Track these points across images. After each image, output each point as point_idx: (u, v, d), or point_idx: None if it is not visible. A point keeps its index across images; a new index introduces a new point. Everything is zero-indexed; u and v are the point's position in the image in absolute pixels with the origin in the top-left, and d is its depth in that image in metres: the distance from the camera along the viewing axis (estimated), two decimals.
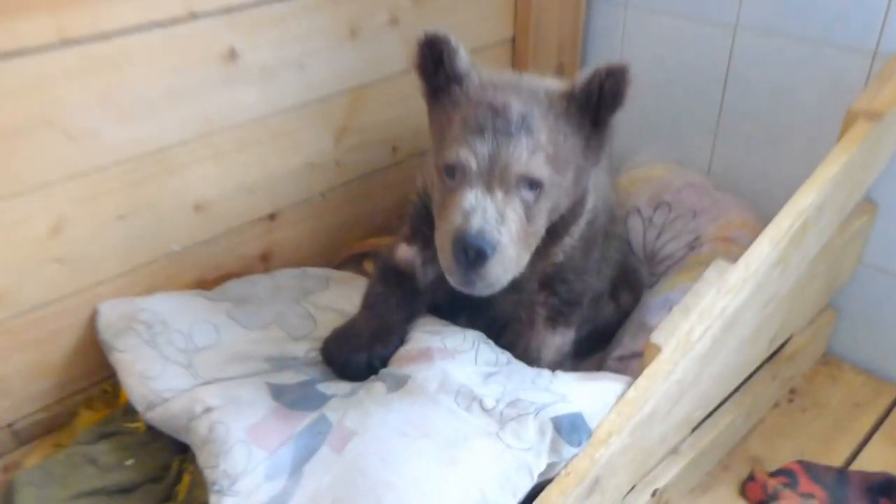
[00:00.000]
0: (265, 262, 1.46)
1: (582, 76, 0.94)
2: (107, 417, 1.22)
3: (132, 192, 1.21)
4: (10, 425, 1.25)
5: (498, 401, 0.97)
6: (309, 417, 1.01)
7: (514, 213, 0.91)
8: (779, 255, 1.04)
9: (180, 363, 1.13)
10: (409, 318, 1.16)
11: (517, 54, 1.65)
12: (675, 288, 1.21)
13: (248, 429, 0.98)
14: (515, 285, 1.10)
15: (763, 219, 1.10)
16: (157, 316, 1.20)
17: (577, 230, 1.08)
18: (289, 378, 1.10)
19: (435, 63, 0.97)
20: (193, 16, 1.16)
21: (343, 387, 1.08)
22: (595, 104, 0.94)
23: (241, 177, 1.34)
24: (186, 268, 1.34)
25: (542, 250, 1.04)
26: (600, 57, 1.66)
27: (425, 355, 1.07)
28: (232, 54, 1.23)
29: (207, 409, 1.01)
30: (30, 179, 1.10)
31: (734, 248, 1.26)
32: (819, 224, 1.12)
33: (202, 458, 0.98)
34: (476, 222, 0.88)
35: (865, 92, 1.17)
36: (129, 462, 1.11)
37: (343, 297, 1.32)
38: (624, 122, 1.66)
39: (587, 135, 0.97)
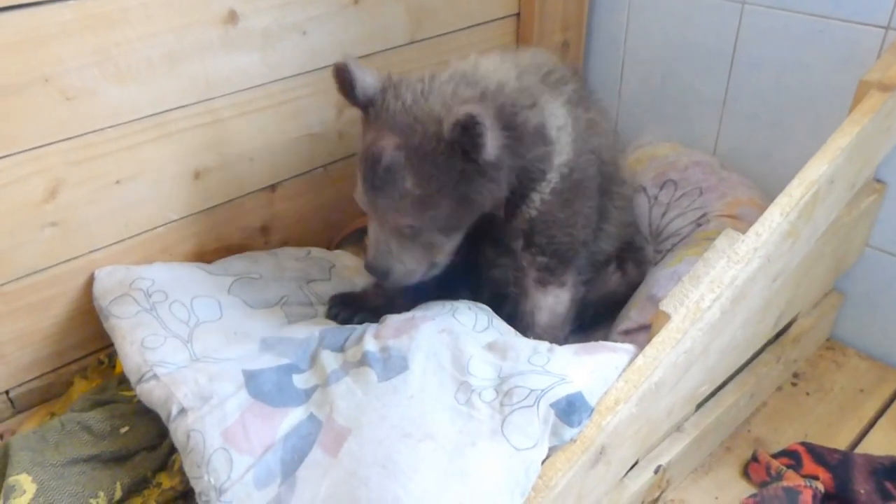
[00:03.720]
0: (265, 234, 1.44)
1: (447, 122, 0.96)
2: (101, 385, 1.21)
3: (130, 156, 1.19)
4: (5, 393, 1.24)
5: (496, 390, 0.95)
6: (291, 415, 0.97)
7: (398, 244, 1.06)
8: (789, 226, 1.03)
9: (180, 336, 1.11)
10: (415, 300, 1.18)
11: (522, 30, 1.63)
12: (682, 261, 1.19)
13: (224, 432, 0.94)
14: (501, 244, 1.15)
15: (770, 199, 1.09)
16: (157, 285, 1.18)
17: (548, 185, 1.09)
18: (268, 361, 1.06)
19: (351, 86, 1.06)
20: None
21: (321, 374, 1.04)
22: (461, 149, 0.97)
23: (241, 145, 1.32)
24: (185, 237, 1.33)
25: (511, 208, 1.10)
26: (606, 33, 1.65)
27: (409, 323, 1.07)
28: (232, 17, 1.21)
29: (182, 411, 0.97)
30: (24, 140, 1.08)
31: (742, 225, 1.23)
32: (830, 197, 1.11)
33: (187, 468, 0.95)
34: (371, 254, 1.08)
35: (878, 63, 1.15)
36: (124, 430, 1.10)
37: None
38: (629, 100, 1.70)
39: (461, 168, 0.99)
